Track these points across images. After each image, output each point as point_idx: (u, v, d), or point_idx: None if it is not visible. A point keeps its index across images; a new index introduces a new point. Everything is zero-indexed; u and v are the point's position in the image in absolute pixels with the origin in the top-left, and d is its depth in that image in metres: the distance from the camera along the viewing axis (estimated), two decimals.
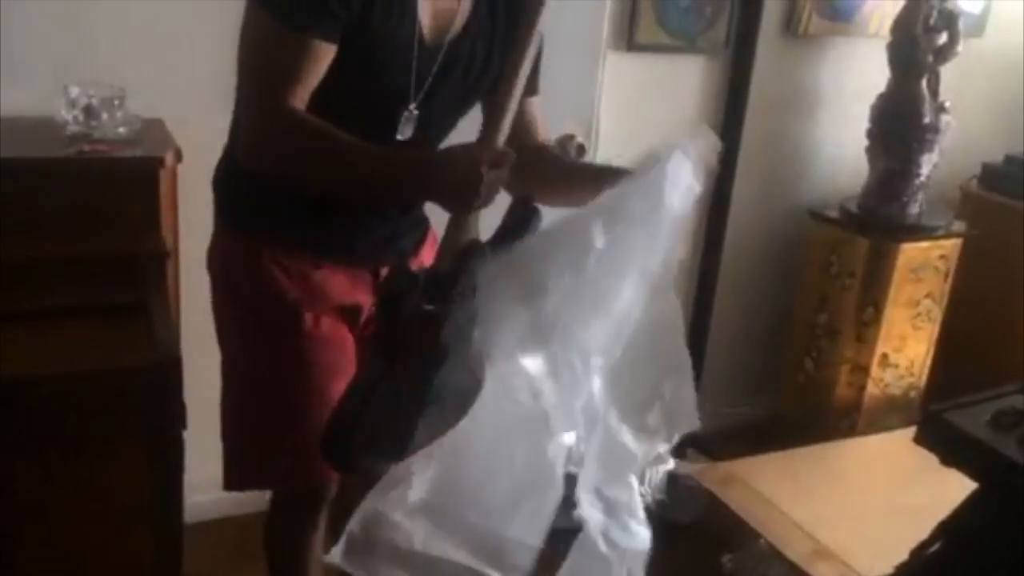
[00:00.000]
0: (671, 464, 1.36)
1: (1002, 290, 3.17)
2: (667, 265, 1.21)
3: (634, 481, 1.28)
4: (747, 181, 2.95)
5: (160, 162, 1.90)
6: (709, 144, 1.24)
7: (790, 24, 2.94)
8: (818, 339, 3.10)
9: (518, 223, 1.27)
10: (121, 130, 1.93)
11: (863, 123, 2.99)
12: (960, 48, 2.91)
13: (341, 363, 1.56)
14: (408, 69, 1.43)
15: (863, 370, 3.04)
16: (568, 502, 1.21)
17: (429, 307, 1.21)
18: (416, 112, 1.47)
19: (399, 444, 1.19)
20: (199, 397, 1.68)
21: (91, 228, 1.84)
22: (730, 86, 2.89)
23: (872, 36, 3.03)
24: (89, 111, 1.91)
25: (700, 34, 2.79)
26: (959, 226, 3.11)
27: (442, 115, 1.53)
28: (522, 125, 1.52)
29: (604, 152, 2.69)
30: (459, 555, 1.12)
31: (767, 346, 3.29)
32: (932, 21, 2.87)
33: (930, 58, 2.90)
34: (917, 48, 2.87)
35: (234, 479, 1.64)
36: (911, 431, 1.73)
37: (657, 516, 1.32)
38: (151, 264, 1.86)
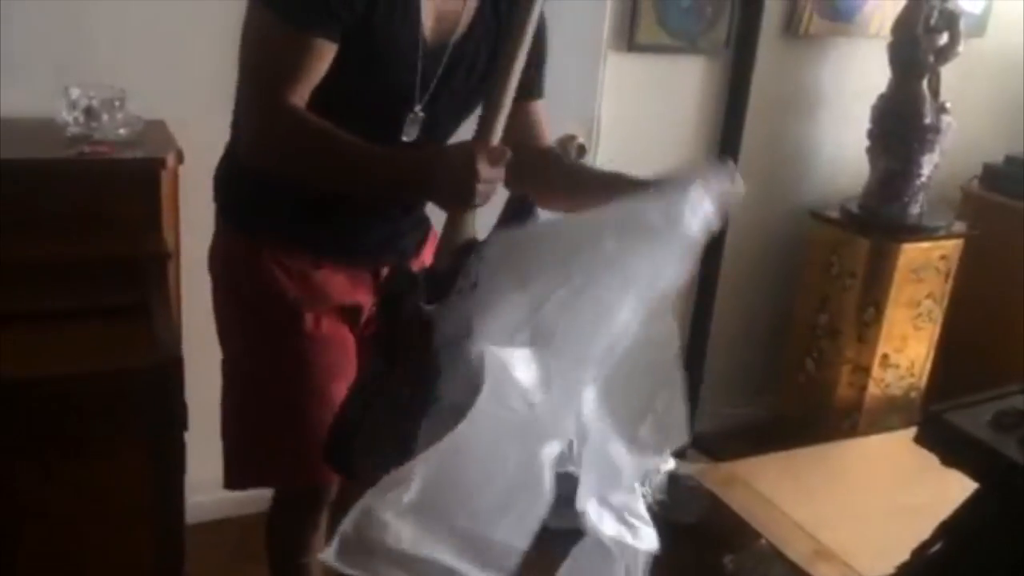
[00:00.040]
0: (672, 464, 1.36)
1: (1003, 290, 3.17)
2: (670, 287, 1.20)
3: (636, 484, 1.29)
4: (748, 181, 2.87)
5: (161, 163, 1.90)
6: (733, 183, 1.24)
7: (791, 24, 2.94)
8: (819, 339, 3.10)
9: (515, 219, 1.26)
10: (122, 131, 1.93)
11: (864, 123, 2.99)
12: (961, 48, 2.91)
13: (342, 363, 1.56)
14: (412, 70, 1.43)
15: (864, 370, 3.04)
16: (567, 502, 1.20)
17: (428, 307, 1.21)
18: (422, 114, 1.47)
19: (401, 448, 1.19)
20: (200, 397, 1.68)
21: (92, 229, 1.84)
22: (731, 86, 2.89)
23: (873, 36, 3.03)
24: (90, 112, 1.91)
25: (701, 34, 2.79)
26: (960, 226, 3.11)
27: (447, 117, 1.53)
28: (527, 127, 1.52)
29: (604, 152, 2.69)
30: (446, 556, 1.12)
31: (768, 346, 3.29)
32: (933, 21, 2.87)
33: (931, 58, 2.90)
34: (918, 48, 2.87)
35: (234, 478, 1.64)
36: (912, 431, 1.74)
37: (658, 517, 1.32)
38: (152, 265, 1.86)
